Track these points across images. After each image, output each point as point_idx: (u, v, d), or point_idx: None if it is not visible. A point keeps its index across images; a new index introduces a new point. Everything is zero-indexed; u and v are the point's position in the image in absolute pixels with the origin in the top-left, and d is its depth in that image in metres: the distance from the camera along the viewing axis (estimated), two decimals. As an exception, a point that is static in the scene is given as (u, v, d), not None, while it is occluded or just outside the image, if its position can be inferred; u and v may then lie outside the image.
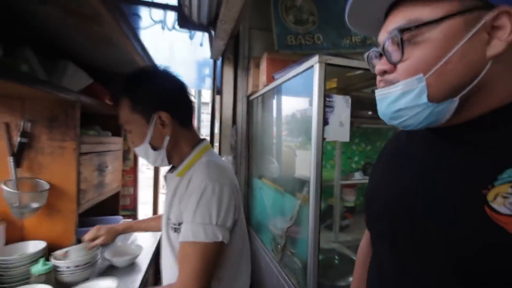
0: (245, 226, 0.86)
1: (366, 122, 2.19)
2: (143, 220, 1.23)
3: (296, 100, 1.65)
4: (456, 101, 0.38)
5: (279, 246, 1.49)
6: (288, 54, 1.88)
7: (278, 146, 1.85)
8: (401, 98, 0.40)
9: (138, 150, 0.77)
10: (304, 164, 1.27)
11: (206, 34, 2.13)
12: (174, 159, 0.83)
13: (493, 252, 0.33)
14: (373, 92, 1.80)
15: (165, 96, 0.76)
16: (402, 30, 0.38)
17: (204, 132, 5.92)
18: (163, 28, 2.09)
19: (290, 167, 1.59)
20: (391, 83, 0.42)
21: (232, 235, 0.76)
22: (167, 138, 0.77)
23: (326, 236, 1.78)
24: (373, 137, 2.35)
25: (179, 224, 0.73)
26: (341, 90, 1.71)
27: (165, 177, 0.88)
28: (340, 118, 1.07)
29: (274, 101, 1.81)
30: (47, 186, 1.11)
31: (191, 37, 2.21)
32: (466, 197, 0.37)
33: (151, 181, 2.40)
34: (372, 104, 2.04)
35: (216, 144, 2.22)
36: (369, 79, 1.44)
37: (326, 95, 1.04)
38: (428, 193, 0.42)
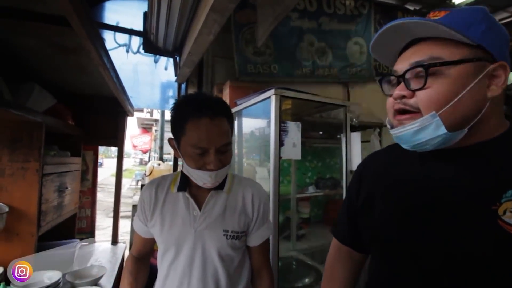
0: None
1: (317, 142, 2.49)
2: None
3: (256, 123, 1.85)
4: (465, 131, 0.46)
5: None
6: (248, 81, 2.11)
7: (239, 164, 2.00)
8: (420, 132, 0.47)
9: (227, 168, 0.82)
10: (264, 180, 1.44)
11: (171, 58, 2.25)
12: None
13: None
14: (321, 117, 2.13)
15: None
16: (429, 65, 0.46)
17: (169, 150, 5.78)
18: (127, 51, 2.15)
19: (251, 183, 1.74)
20: (410, 106, 0.48)
21: None
22: None
23: (285, 246, 1.94)
24: (323, 155, 2.66)
25: (242, 232, 0.83)
26: (295, 115, 1.97)
27: (199, 195, 0.84)
28: (293, 140, 1.28)
29: (236, 123, 1.98)
30: (6, 209, 1.08)
31: (155, 61, 2.30)
32: (480, 215, 0.43)
33: (99, 205, 2.30)
34: (321, 126, 2.32)
35: (180, 162, 2.27)
36: (317, 107, 1.71)
37: (281, 121, 1.25)
38: (447, 215, 0.47)
